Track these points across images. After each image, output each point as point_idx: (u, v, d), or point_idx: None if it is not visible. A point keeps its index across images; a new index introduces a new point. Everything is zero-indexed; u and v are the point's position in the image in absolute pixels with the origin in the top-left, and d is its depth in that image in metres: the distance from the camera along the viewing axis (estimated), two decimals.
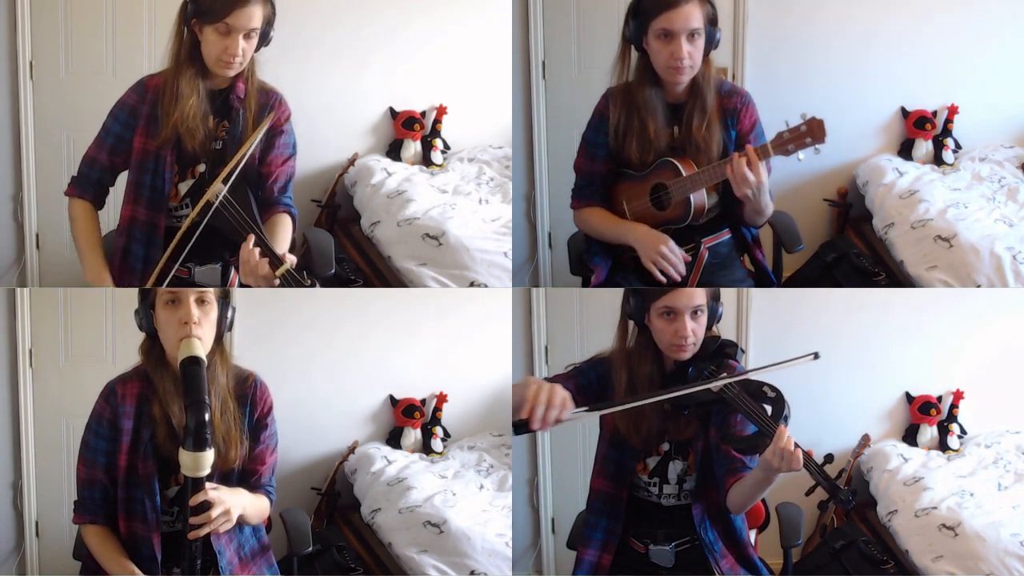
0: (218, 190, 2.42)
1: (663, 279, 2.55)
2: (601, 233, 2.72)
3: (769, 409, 2.23)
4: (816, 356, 2.25)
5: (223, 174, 2.44)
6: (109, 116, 2.58)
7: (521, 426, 2.04)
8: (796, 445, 2.12)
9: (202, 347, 2.18)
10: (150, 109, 2.53)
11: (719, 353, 2.36)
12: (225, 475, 2.31)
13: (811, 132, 2.39)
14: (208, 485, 2.14)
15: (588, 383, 2.43)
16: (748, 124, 2.60)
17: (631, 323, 2.40)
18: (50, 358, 3.48)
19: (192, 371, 2.10)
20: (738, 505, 2.34)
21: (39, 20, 3.50)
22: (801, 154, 2.42)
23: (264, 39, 2.51)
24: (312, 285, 2.38)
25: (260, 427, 2.38)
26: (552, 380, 2.42)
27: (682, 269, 2.57)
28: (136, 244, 2.56)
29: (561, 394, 2.03)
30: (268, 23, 2.49)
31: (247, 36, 2.45)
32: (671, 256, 2.55)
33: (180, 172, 2.56)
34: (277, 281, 2.36)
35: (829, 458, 2.24)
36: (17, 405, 3.46)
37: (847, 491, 2.22)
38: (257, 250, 2.36)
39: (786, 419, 2.22)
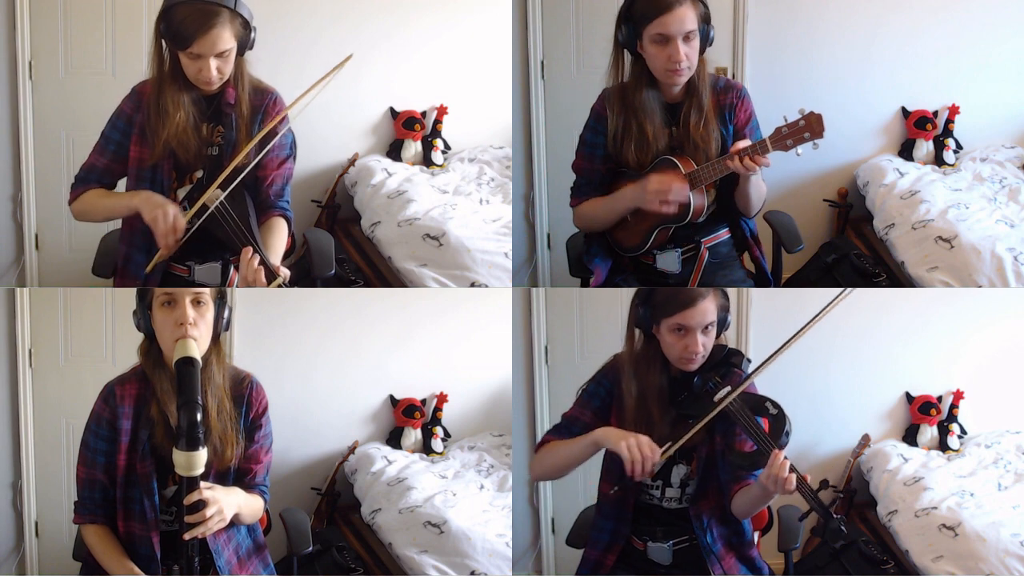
0: (215, 195, 2.41)
1: (672, 212, 2.53)
2: (600, 217, 2.68)
3: (768, 427, 2.23)
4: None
5: (219, 180, 2.42)
6: (108, 124, 2.55)
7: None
8: (792, 469, 2.15)
9: (198, 347, 2.19)
10: (143, 118, 2.50)
11: (725, 363, 2.36)
12: (221, 474, 2.33)
13: (809, 127, 2.38)
14: (203, 484, 2.15)
15: (601, 403, 2.45)
16: (744, 118, 2.59)
17: (638, 330, 2.39)
18: (50, 358, 3.48)
19: (186, 371, 2.12)
20: (741, 513, 2.36)
21: (38, 20, 3.50)
22: (799, 149, 2.41)
23: (244, 48, 2.45)
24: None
25: (255, 427, 2.39)
26: (569, 412, 2.48)
27: None
28: (137, 252, 2.54)
29: (647, 445, 2.23)
30: (242, 38, 2.43)
31: (220, 56, 2.40)
32: (674, 195, 2.52)
33: (178, 178, 2.54)
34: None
35: (824, 484, 2.25)
36: (17, 405, 3.47)
37: (840, 519, 2.23)
38: (256, 260, 2.36)
39: (787, 436, 2.22)
